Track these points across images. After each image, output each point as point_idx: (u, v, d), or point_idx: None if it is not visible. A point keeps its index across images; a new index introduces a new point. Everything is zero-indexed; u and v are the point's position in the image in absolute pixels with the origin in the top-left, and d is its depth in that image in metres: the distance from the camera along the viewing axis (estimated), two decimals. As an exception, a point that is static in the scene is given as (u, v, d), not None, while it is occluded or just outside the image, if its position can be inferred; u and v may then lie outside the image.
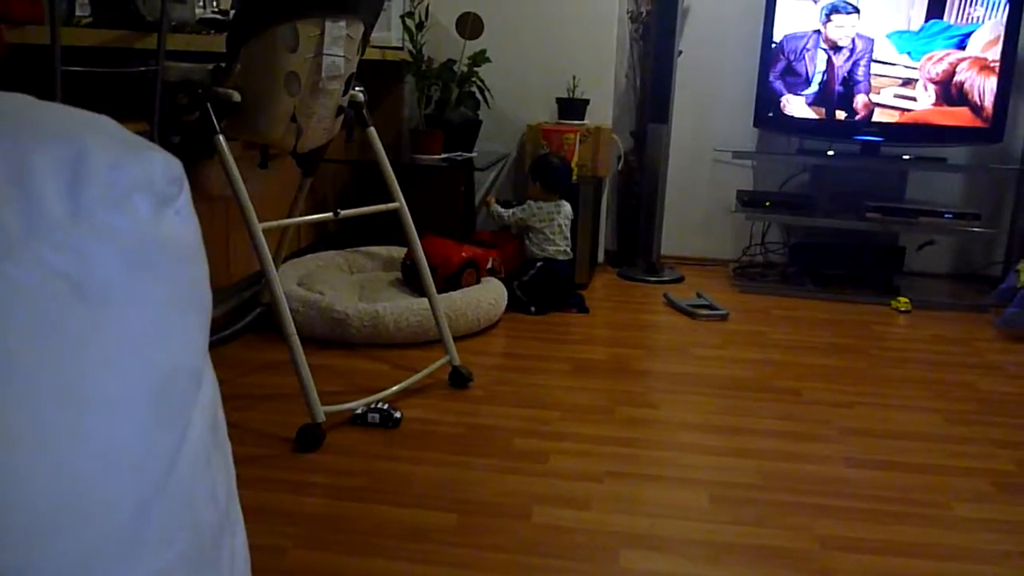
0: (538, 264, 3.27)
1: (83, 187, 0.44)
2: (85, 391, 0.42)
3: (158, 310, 0.47)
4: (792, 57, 3.71)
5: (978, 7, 3.46)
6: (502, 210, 3.38)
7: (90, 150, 0.45)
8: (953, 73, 3.53)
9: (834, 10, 3.61)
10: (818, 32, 3.64)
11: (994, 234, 3.77)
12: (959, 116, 3.55)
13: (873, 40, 3.59)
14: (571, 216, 3.36)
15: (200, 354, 0.52)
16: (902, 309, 3.44)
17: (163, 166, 0.50)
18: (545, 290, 3.27)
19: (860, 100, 3.65)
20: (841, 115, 3.69)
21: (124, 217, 0.46)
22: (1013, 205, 3.76)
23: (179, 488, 0.47)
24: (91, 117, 0.50)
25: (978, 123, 3.53)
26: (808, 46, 3.68)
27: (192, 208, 0.53)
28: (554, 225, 3.29)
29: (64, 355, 0.41)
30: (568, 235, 3.33)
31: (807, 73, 3.70)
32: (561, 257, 3.30)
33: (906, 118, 3.61)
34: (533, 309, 3.21)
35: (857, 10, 3.58)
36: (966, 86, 3.53)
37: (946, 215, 3.57)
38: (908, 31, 3.55)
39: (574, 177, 3.49)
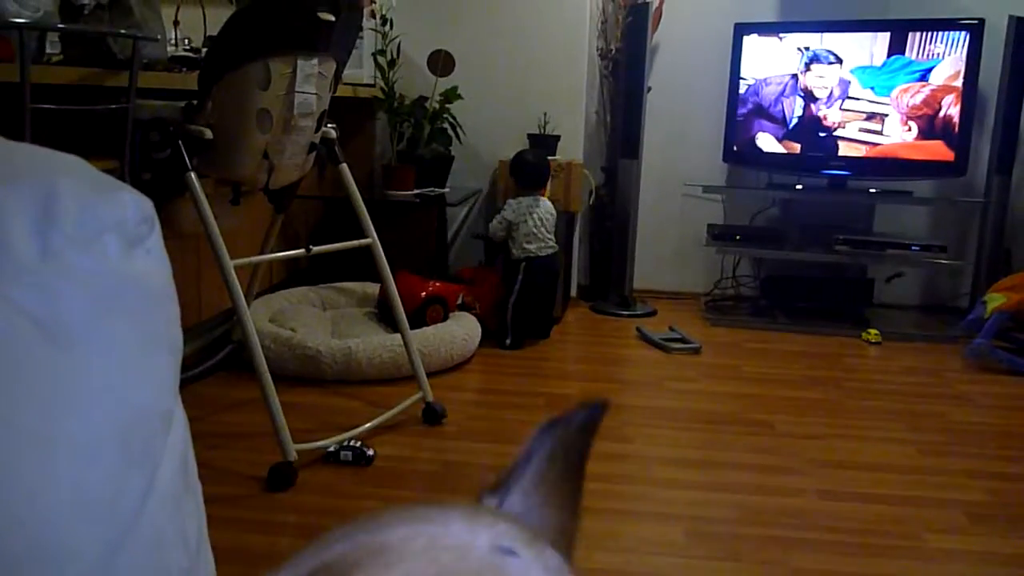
0: (522, 266, 3.24)
1: (53, 228, 0.44)
2: (51, 433, 0.41)
3: (127, 351, 0.46)
4: (759, 92, 3.77)
5: (938, 43, 3.54)
6: (493, 223, 3.37)
7: (60, 191, 0.45)
8: (916, 108, 3.60)
9: (815, 60, 3.67)
10: (791, 74, 3.70)
11: (960, 266, 3.83)
12: (924, 150, 3.62)
13: (847, 81, 3.66)
14: (552, 212, 3.32)
15: (170, 395, 0.51)
16: (872, 341, 3.47)
17: (134, 206, 0.50)
18: (535, 294, 3.25)
19: (826, 135, 3.71)
20: (808, 150, 3.74)
21: (94, 257, 0.45)
22: (978, 237, 3.82)
23: (148, 531, 0.46)
24: (62, 157, 0.50)
25: (942, 157, 3.60)
26: (775, 82, 3.74)
27: (163, 247, 0.53)
28: (534, 218, 3.26)
29: (30, 396, 0.40)
30: (551, 230, 3.29)
31: (774, 109, 3.76)
32: (544, 252, 3.26)
33: (872, 152, 3.67)
34: (508, 342, 3.20)
35: (840, 60, 3.64)
36: (929, 121, 3.59)
37: (913, 247, 3.61)
38: (871, 66, 3.61)
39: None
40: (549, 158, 3.65)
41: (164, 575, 0.48)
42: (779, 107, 3.75)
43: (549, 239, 3.28)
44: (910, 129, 3.62)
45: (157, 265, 0.51)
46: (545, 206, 3.31)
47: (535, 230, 3.25)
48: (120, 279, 0.47)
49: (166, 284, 0.52)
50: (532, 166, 3.35)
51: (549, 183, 3.40)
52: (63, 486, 0.42)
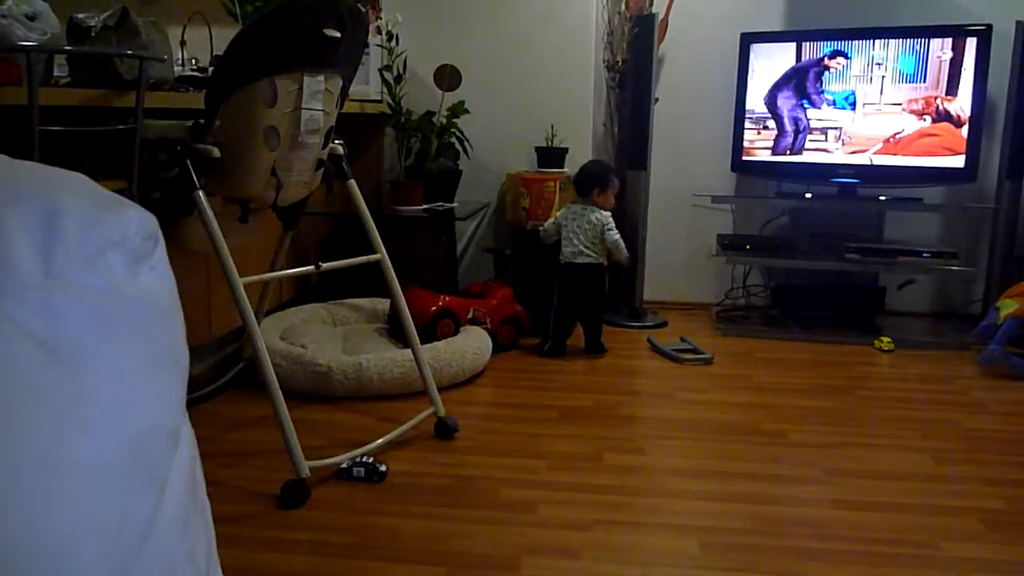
0: (559, 272, 3.33)
1: (57, 246, 0.43)
2: (56, 456, 0.40)
3: (133, 369, 0.46)
4: (767, 101, 3.76)
5: (947, 50, 3.53)
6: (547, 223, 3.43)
7: (63, 209, 0.44)
8: (925, 115, 3.59)
9: (822, 67, 3.67)
10: (798, 83, 3.70)
11: (972, 272, 3.81)
12: (933, 157, 3.60)
13: (854, 89, 3.65)
14: (597, 222, 3.29)
15: (177, 413, 0.51)
16: (885, 349, 3.45)
17: (138, 222, 0.49)
18: (569, 302, 3.33)
19: (835, 142, 3.70)
20: (817, 158, 3.73)
21: (98, 275, 0.45)
22: (989, 243, 3.80)
23: (156, 552, 0.45)
24: (64, 175, 0.49)
25: (952, 163, 3.58)
26: (782, 91, 3.73)
27: (168, 264, 0.53)
28: (573, 224, 3.30)
29: (35, 418, 0.40)
30: (591, 241, 3.29)
31: (782, 117, 3.75)
32: (578, 260, 3.29)
33: (881, 159, 3.66)
34: (546, 348, 3.30)
35: (847, 68, 3.64)
36: (939, 128, 3.58)
37: (924, 254, 3.60)
38: (879, 74, 3.60)
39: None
40: (558, 170, 3.66)
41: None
42: (787, 115, 3.75)
43: (585, 249, 3.29)
44: (919, 135, 3.61)
45: (162, 282, 0.51)
46: (589, 216, 3.31)
47: (571, 236, 3.30)
48: (125, 296, 0.46)
49: (171, 301, 0.52)
50: (582, 171, 3.41)
51: (600, 193, 3.34)
52: (69, 511, 0.41)
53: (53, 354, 0.41)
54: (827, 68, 3.66)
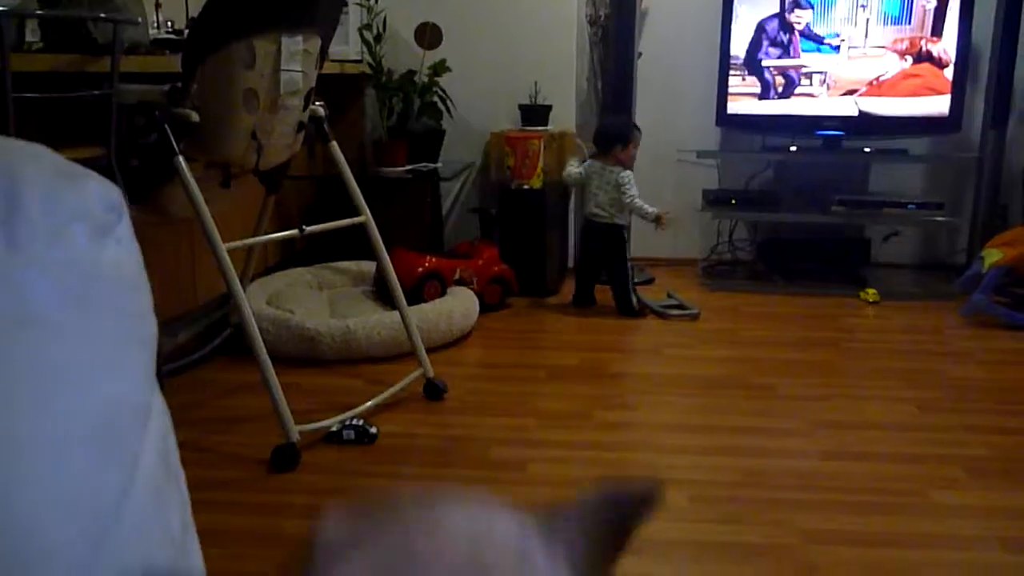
0: (583, 224, 3.41)
1: (17, 219, 0.42)
2: (25, 432, 0.40)
3: (99, 343, 0.45)
4: (751, 53, 3.74)
5: (931, -2, 3.51)
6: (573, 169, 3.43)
7: (24, 180, 0.43)
8: (909, 64, 3.57)
9: (803, 16, 3.64)
10: (782, 34, 3.67)
11: (957, 223, 3.81)
12: (918, 106, 3.59)
13: (839, 38, 3.63)
14: (616, 183, 3.24)
15: (146, 386, 0.50)
16: (871, 300, 3.47)
17: (101, 193, 0.48)
18: (587, 258, 3.41)
19: (819, 94, 3.68)
20: (801, 110, 3.72)
21: (61, 248, 0.44)
22: (974, 193, 3.80)
23: (130, 527, 0.45)
24: (24, 146, 0.48)
25: (937, 113, 3.57)
26: (766, 43, 3.71)
27: (133, 236, 0.52)
28: (593, 185, 3.30)
29: (1, 394, 0.39)
30: (610, 201, 3.26)
31: (766, 70, 3.73)
32: (599, 220, 3.30)
33: (866, 110, 3.64)
34: (570, 299, 3.42)
35: (831, 18, 3.61)
36: (923, 76, 3.57)
37: (909, 206, 3.60)
38: (862, 22, 3.58)
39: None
40: (542, 128, 3.63)
41: (149, 570, 0.47)
42: (771, 68, 3.72)
43: (606, 207, 3.28)
44: (902, 77, 3.59)
45: (128, 254, 0.50)
46: (611, 175, 3.27)
47: (593, 193, 3.31)
48: (90, 270, 0.45)
49: (138, 273, 0.51)
50: (601, 127, 3.41)
51: (623, 149, 3.30)
52: (39, 487, 0.40)
53: (19, 329, 0.40)
54: (790, 25, 3.64)
